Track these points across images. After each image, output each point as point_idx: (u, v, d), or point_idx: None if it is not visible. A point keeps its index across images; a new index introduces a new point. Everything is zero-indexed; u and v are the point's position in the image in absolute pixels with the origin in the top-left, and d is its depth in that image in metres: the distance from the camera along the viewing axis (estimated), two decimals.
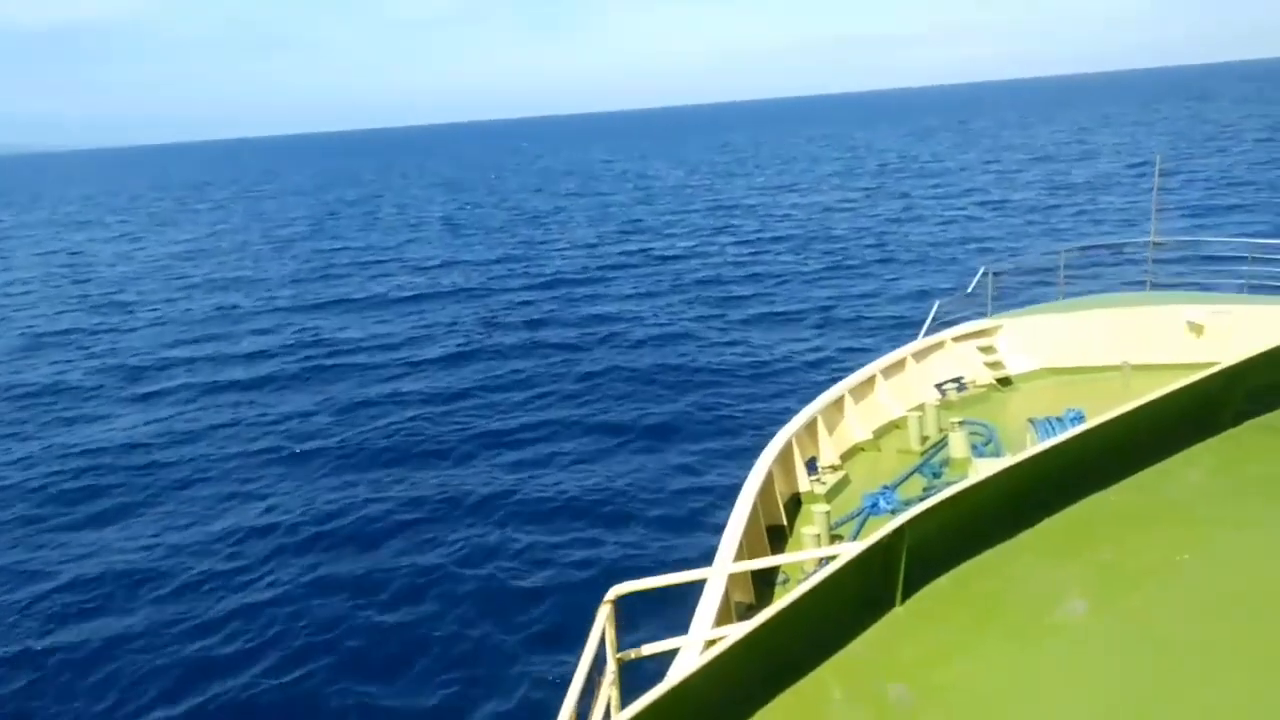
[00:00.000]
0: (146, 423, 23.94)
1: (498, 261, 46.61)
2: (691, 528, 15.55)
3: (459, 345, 30.03)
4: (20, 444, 22.89)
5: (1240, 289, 13.78)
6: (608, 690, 4.93)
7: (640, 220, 59.38)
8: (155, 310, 39.92)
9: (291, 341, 31.95)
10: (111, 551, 16.47)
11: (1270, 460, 5.77)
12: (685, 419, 21.24)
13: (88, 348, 33.50)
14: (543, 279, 41.01)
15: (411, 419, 22.64)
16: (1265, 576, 4.69)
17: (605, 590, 5.05)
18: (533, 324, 32.29)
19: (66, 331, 36.72)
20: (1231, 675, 4.03)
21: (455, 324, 33.18)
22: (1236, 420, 6.01)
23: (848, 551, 4.64)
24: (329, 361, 28.96)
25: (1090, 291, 15.50)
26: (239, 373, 28.30)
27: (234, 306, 39.70)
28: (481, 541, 15.91)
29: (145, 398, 26.44)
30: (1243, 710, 3.84)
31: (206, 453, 21.26)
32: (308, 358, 29.48)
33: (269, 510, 17.75)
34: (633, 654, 5.17)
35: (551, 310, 34.32)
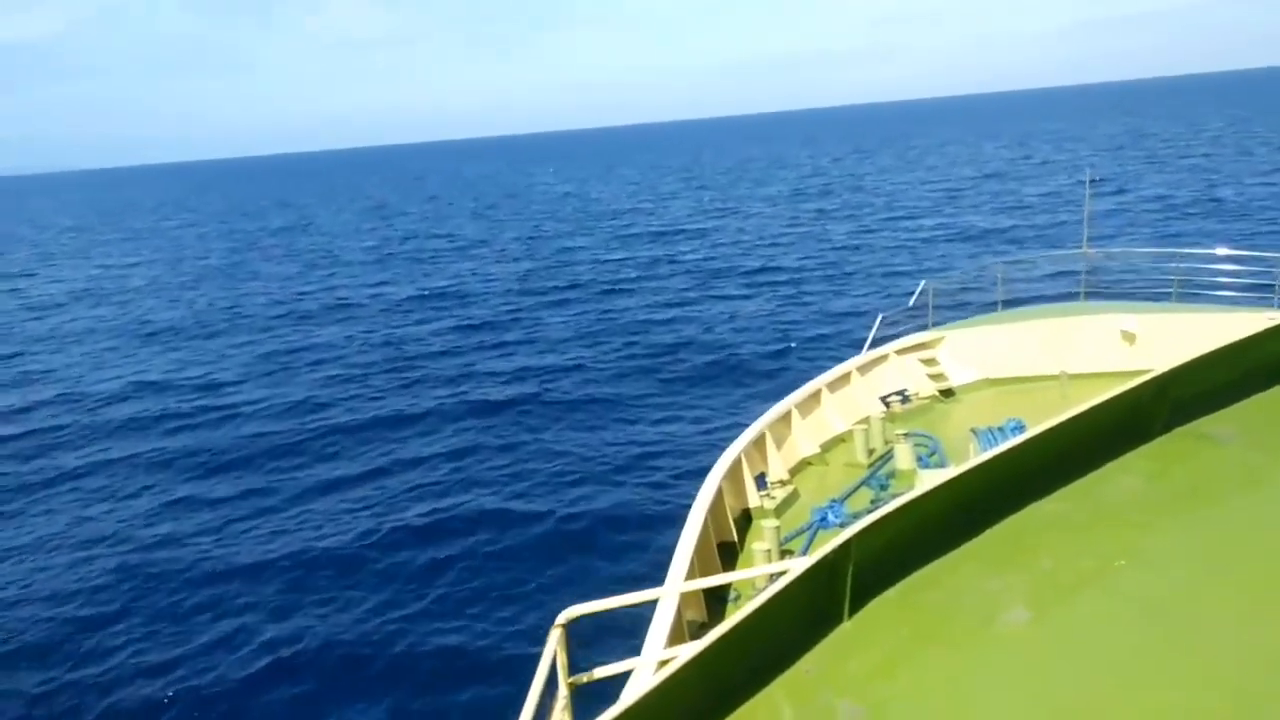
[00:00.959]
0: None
1: (421, 298, 42.66)
2: (642, 547, 15.50)
3: (386, 380, 29.68)
4: None
5: (1170, 298, 14.19)
6: (560, 715, 4.88)
7: (580, 248, 58.39)
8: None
9: (195, 385, 30.94)
10: None
11: (1199, 466, 5.93)
12: (633, 440, 21.22)
13: None
14: (479, 306, 40.75)
15: (339, 444, 22.34)
16: (1199, 580, 4.82)
17: (556, 614, 5.01)
18: (466, 350, 32.05)
19: None
20: (1170, 679, 4.12)
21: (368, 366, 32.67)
22: (1167, 427, 6.17)
23: (795, 568, 4.66)
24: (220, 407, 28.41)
25: (1027, 303, 15.86)
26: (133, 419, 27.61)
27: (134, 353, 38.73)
28: (427, 566, 15.69)
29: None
30: (1182, 713, 3.92)
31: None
32: (201, 407, 28.24)
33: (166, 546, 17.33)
34: (585, 677, 5.12)
35: (488, 338, 34.15)
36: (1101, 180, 62.17)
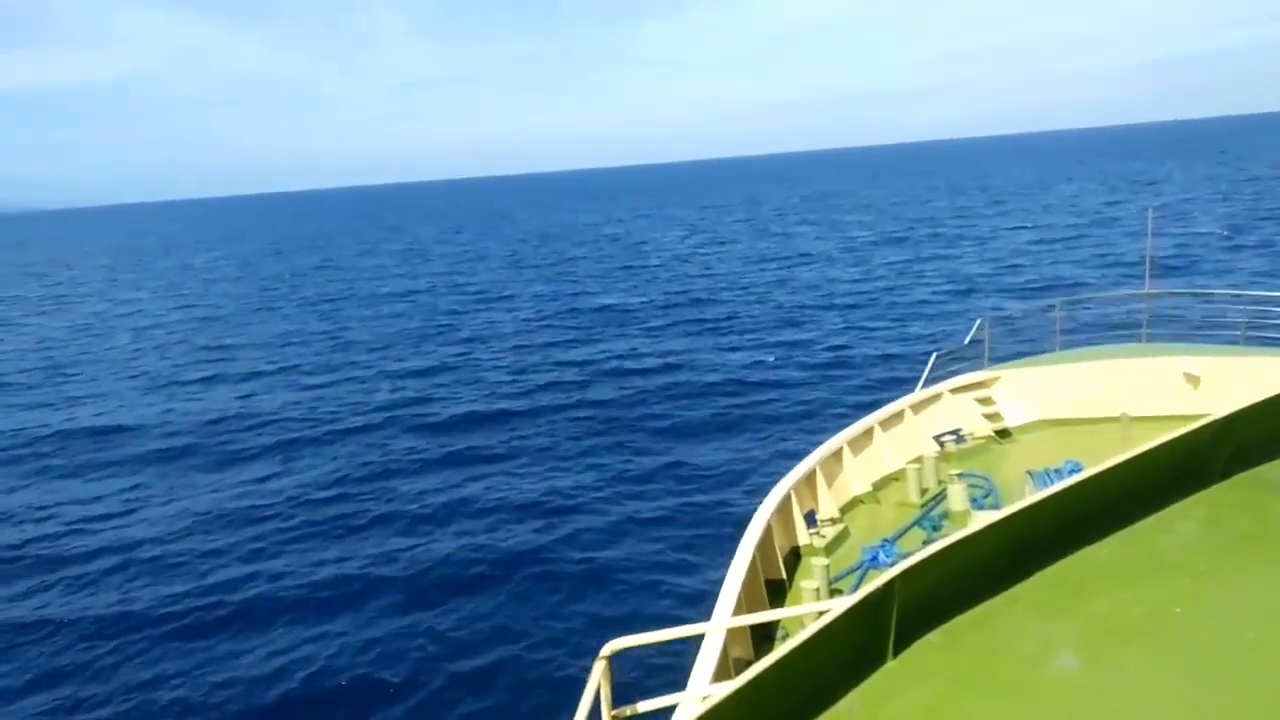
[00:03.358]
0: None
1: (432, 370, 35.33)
2: (689, 582, 15.42)
3: (452, 413, 30.04)
4: None
5: (1236, 340, 13.82)
6: None
7: (638, 282, 59.09)
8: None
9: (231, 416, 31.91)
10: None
11: (1259, 513, 5.76)
12: (681, 473, 21.16)
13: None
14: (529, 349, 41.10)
15: (388, 478, 22.63)
16: (1258, 632, 4.67)
17: (600, 645, 5.02)
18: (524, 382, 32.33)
19: None
20: None
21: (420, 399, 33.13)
22: (1226, 473, 6.01)
23: (839, 606, 4.62)
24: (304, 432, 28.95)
25: (1087, 343, 15.55)
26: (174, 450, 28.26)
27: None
28: (474, 596, 15.78)
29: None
30: None
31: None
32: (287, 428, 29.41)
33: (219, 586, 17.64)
34: (628, 710, 5.12)
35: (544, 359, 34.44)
36: (1164, 216, 60.91)
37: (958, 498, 10.17)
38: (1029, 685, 4.47)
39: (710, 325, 39.75)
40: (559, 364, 33.94)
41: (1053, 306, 16.47)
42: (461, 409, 28.48)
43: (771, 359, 32.19)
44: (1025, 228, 68.83)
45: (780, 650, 4.32)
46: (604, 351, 35.61)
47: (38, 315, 62.63)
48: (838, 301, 43.20)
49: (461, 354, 37.26)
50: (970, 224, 76.10)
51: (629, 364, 33.07)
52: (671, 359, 33.35)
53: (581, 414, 26.74)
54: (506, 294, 55.12)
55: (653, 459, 22.24)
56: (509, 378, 32.37)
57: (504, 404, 28.67)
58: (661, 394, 28.39)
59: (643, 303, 47.35)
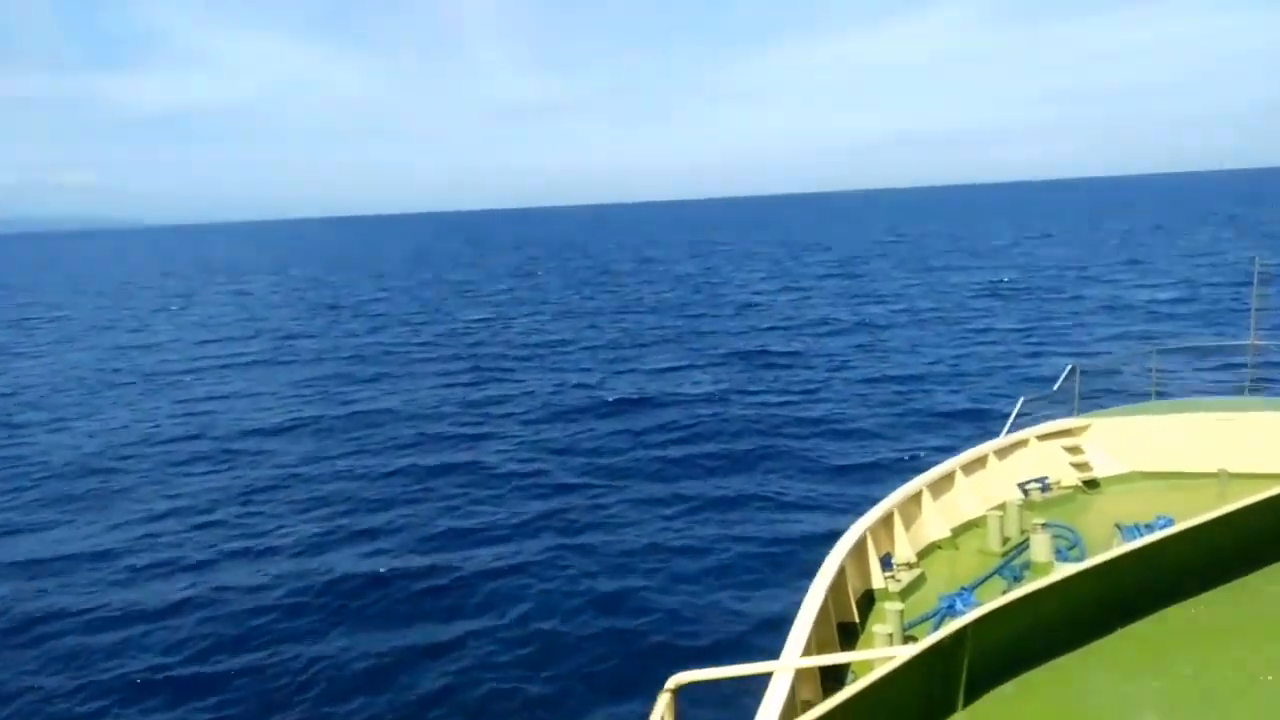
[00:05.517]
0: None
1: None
2: (756, 620, 15.21)
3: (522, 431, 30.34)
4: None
5: None
6: None
7: (716, 313, 59.08)
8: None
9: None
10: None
11: None
12: (754, 509, 20.94)
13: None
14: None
15: (461, 487, 22.90)
16: None
17: (666, 678, 4.96)
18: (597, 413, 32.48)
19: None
20: None
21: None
22: None
23: (909, 650, 4.48)
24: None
25: (1185, 394, 14.93)
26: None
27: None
28: (536, 618, 15.83)
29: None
30: None
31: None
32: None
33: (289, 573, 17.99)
34: None
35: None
36: (1272, 265, 58.36)
37: (1041, 548, 9.80)
38: None
39: (795, 361, 39.56)
40: (639, 386, 34.09)
41: (1148, 354, 15.91)
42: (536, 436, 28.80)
43: (854, 396, 31.78)
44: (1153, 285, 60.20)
45: (846, 692, 4.20)
46: (689, 380, 35.63)
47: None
48: (920, 344, 42.51)
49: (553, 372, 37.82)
50: (1084, 272, 73.00)
51: (706, 390, 33.04)
52: (758, 393, 33.20)
53: (657, 443, 26.75)
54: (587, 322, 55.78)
55: (722, 493, 22.07)
56: (601, 395, 32.65)
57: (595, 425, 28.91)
58: (740, 425, 28.23)
59: (728, 332, 47.37)
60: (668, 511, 21.00)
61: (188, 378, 42.16)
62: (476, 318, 60.40)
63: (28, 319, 74.49)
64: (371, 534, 20.44)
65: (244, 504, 23.03)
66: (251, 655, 15.07)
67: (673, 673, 4.98)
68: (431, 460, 26.18)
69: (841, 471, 23.51)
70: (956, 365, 36.72)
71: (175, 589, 17.89)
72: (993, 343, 41.34)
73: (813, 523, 19.66)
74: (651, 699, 4.87)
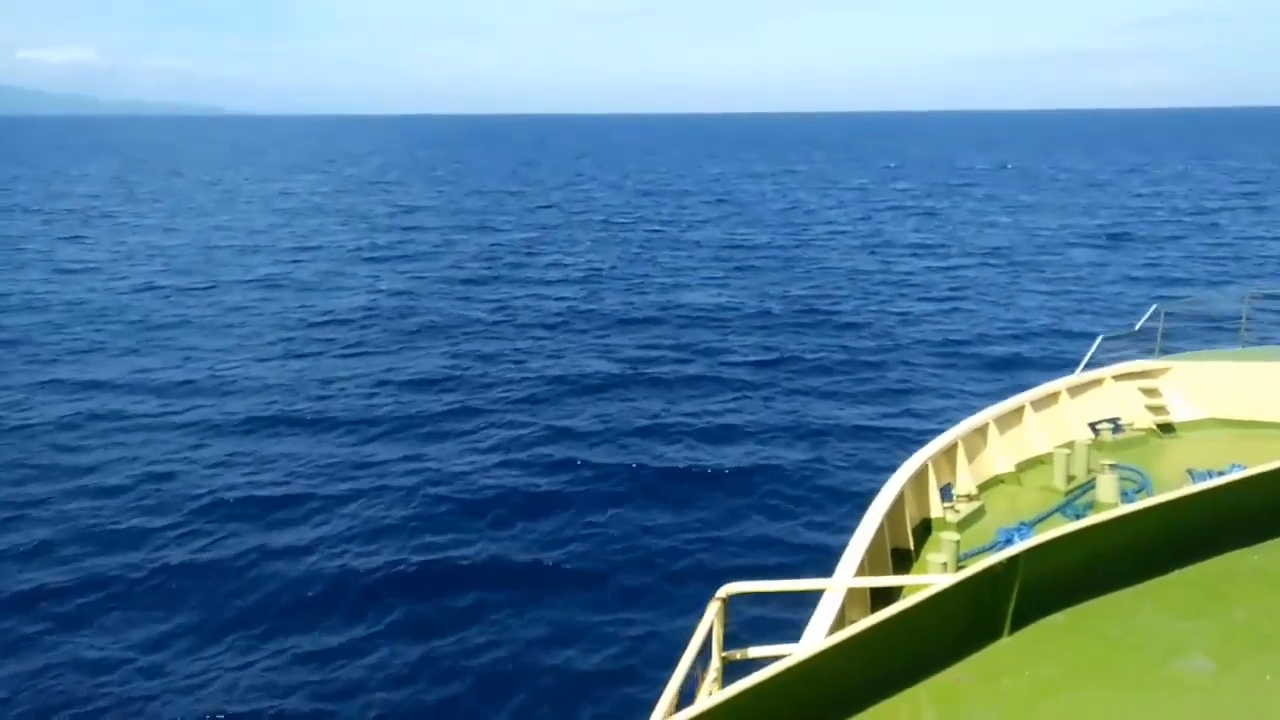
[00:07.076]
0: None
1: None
2: (810, 540, 15.37)
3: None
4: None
5: None
6: (709, 686, 4.95)
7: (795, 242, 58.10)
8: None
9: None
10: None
11: None
12: (818, 431, 20.94)
13: None
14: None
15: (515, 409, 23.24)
16: None
17: (714, 589, 5.07)
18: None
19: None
20: None
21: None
22: None
23: (958, 575, 4.52)
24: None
25: (1274, 340, 14.35)
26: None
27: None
28: (592, 528, 16.08)
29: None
30: None
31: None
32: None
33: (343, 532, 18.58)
34: (738, 654, 5.17)
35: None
36: None
37: (1108, 489, 9.64)
38: (1153, 681, 4.26)
39: (883, 283, 39.01)
40: (704, 312, 34.01)
41: (1241, 299, 15.27)
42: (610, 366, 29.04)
43: (930, 325, 31.31)
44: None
45: (892, 609, 4.26)
46: (751, 304, 35.42)
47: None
48: (1007, 277, 41.42)
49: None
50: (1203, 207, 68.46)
51: (778, 319, 32.84)
52: (830, 316, 32.92)
53: (731, 359, 26.80)
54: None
55: (791, 417, 22.08)
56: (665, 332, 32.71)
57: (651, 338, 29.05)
58: (816, 350, 28.06)
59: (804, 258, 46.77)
60: (719, 432, 21.12)
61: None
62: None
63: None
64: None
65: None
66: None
67: (720, 585, 5.10)
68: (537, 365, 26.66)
69: (906, 398, 23.32)
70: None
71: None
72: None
73: (878, 446, 19.66)
74: (702, 609, 5.00)
